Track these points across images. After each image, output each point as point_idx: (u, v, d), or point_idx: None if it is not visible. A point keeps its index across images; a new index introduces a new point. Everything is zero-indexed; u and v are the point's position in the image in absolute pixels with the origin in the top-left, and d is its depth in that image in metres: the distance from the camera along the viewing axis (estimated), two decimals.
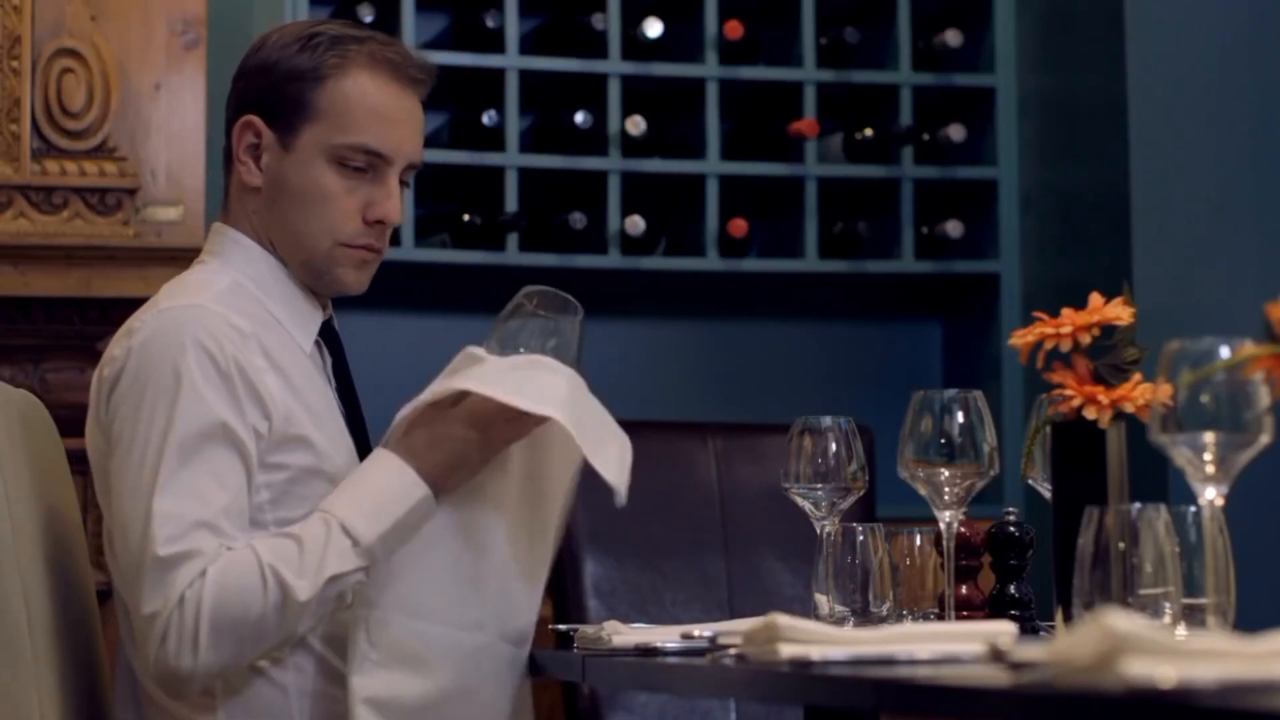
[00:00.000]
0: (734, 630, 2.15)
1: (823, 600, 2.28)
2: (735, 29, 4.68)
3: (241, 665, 2.27)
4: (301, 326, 2.45)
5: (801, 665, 1.88)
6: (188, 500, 2.24)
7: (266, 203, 2.45)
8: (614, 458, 2.27)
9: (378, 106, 2.42)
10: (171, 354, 2.31)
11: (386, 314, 4.42)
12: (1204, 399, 1.72)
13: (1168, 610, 1.84)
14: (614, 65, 4.64)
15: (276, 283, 2.45)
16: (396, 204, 2.44)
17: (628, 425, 3.68)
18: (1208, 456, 1.75)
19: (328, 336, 2.49)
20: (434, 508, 2.28)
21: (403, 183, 2.47)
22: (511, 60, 4.59)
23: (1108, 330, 2.21)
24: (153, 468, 2.26)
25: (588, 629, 2.36)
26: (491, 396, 2.25)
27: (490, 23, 4.59)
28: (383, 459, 2.29)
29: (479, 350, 2.30)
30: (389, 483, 2.27)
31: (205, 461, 2.26)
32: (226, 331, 2.33)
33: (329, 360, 2.49)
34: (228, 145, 2.50)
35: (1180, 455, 1.76)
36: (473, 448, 2.28)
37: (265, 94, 2.44)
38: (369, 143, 2.41)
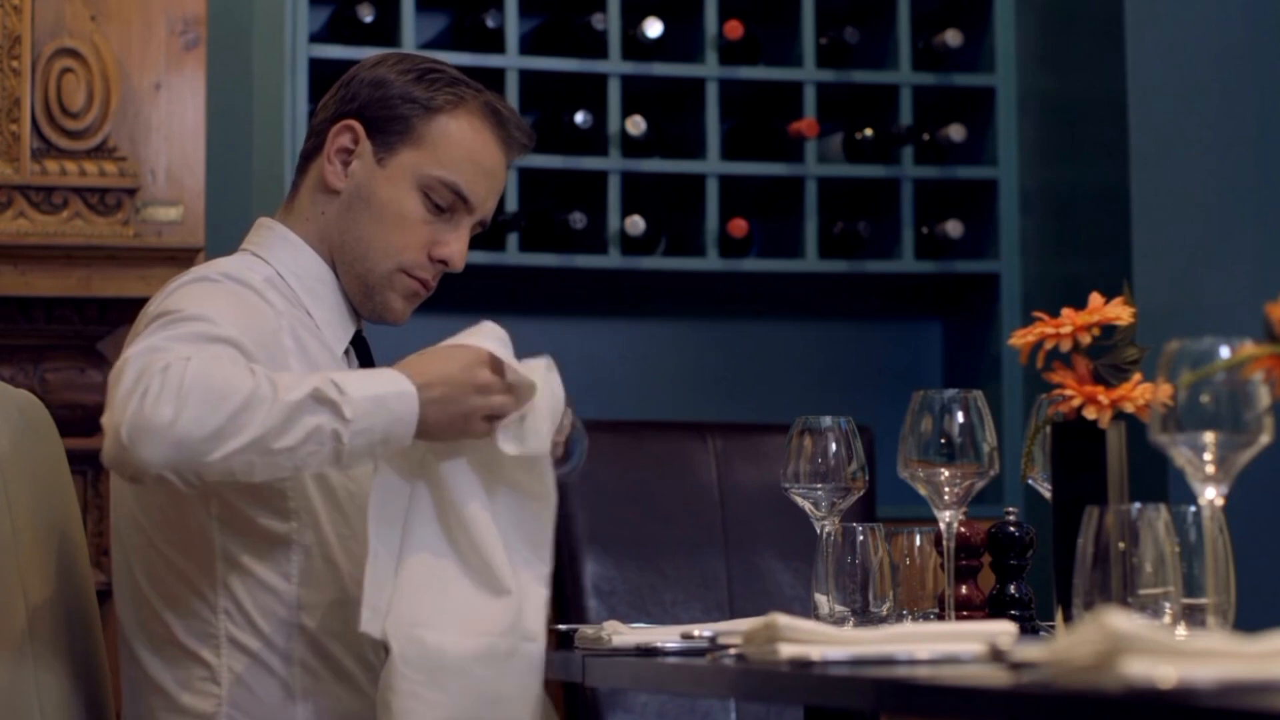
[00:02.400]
0: (734, 630, 2.15)
1: (823, 600, 2.28)
2: (735, 29, 4.68)
3: (215, 457, 2.10)
4: (336, 332, 2.46)
5: (801, 665, 1.88)
6: (183, 345, 2.18)
7: (342, 208, 2.47)
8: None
9: (476, 152, 2.47)
10: (203, 288, 2.32)
11: None
12: (1204, 399, 1.72)
13: (1168, 610, 1.84)
14: (614, 65, 4.64)
15: (318, 282, 2.47)
16: (463, 250, 2.48)
17: (628, 425, 3.69)
18: (1208, 456, 1.75)
19: (358, 346, 2.51)
20: (415, 410, 2.20)
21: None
22: (511, 60, 4.59)
23: (1108, 330, 2.21)
24: (162, 332, 2.21)
25: (588, 629, 2.36)
26: (495, 354, 2.25)
27: (490, 23, 4.59)
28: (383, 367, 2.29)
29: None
30: (382, 372, 2.23)
31: (198, 344, 2.21)
32: (262, 307, 2.35)
33: (357, 364, 2.50)
34: (314, 142, 2.50)
35: (1180, 455, 1.76)
36: (474, 398, 2.22)
37: (373, 106, 2.47)
38: (460, 183, 2.45)
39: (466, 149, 2.46)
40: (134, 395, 2.09)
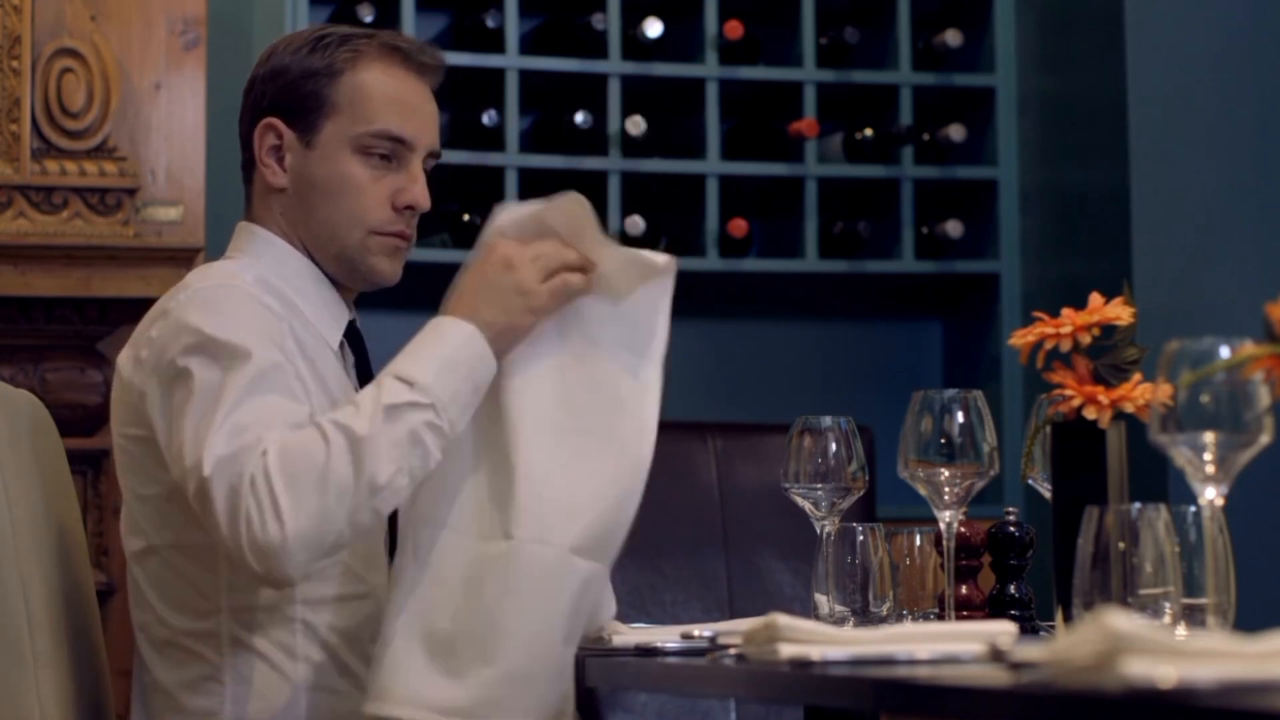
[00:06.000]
0: (734, 630, 2.15)
1: (823, 600, 2.28)
2: (735, 29, 4.68)
3: (337, 532, 2.16)
4: (329, 324, 2.46)
5: (801, 665, 1.88)
6: (246, 414, 2.20)
7: (294, 201, 2.46)
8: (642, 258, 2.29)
9: (394, 94, 2.45)
10: (224, 296, 2.32)
11: (386, 314, 4.42)
12: (1204, 399, 1.72)
13: (1168, 610, 1.84)
14: (614, 65, 4.64)
15: (305, 280, 2.46)
16: (423, 189, 2.47)
17: None
18: (1208, 456, 1.75)
19: (352, 338, 2.51)
20: (485, 346, 2.22)
21: (425, 173, 2.49)
22: (511, 60, 4.59)
23: (1108, 330, 2.21)
24: (214, 405, 2.22)
25: (587, 629, 2.36)
26: (511, 222, 2.28)
27: (490, 23, 4.59)
28: (426, 325, 2.28)
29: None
30: (430, 333, 2.25)
31: (263, 388, 2.23)
32: (261, 311, 2.34)
33: (352, 359, 2.50)
34: (247, 154, 2.50)
35: (1180, 455, 1.76)
36: (506, 274, 2.26)
37: (281, 96, 2.46)
38: (390, 128, 2.44)
39: (382, 94, 2.44)
40: (239, 524, 2.15)
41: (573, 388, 2.27)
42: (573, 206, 2.28)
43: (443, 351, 2.22)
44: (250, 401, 2.22)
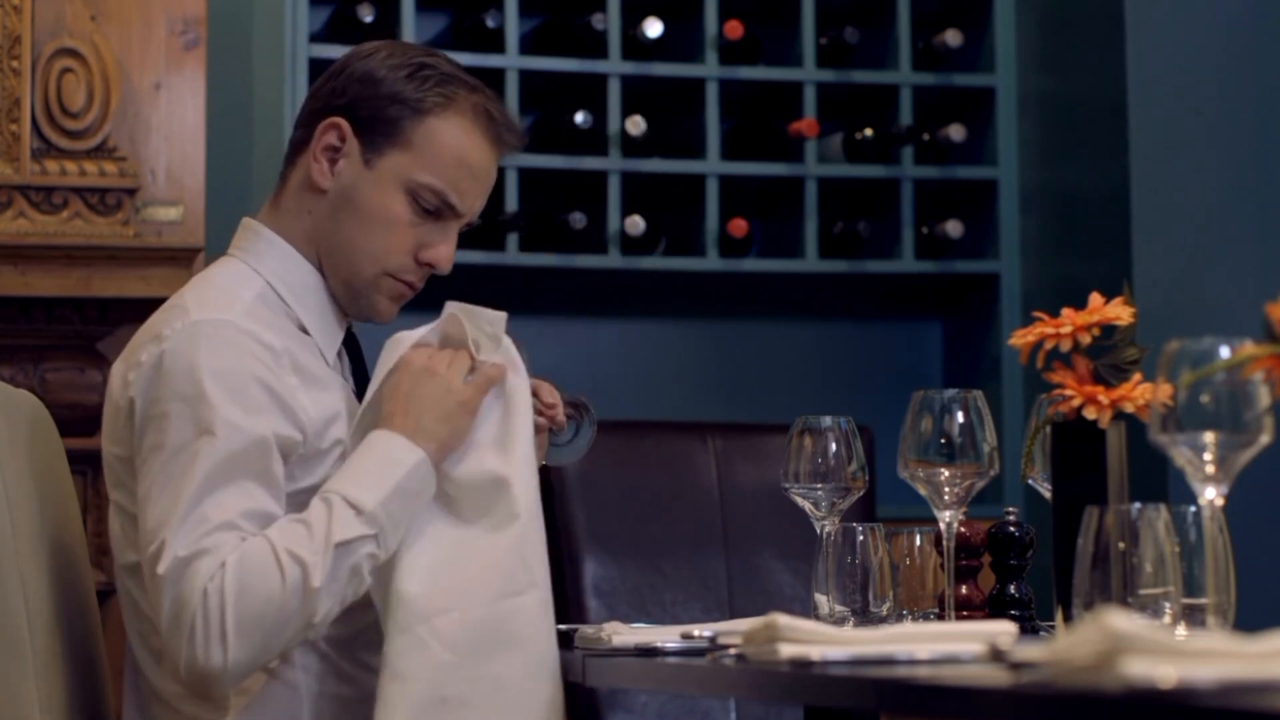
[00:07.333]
0: (734, 630, 2.15)
1: (823, 600, 2.28)
2: (735, 29, 4.68)
3: (267, 659, 2.25)
4: (326, 337, 2.45)
5: (801, 665, 1.88)
6: (211, 507, 2.23)
7: (329, 208, 2.44)
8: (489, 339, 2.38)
9: (466, 158, 2.43)
10: (200, 368, 2.29)
11: None
12: (1204, 399, 1.72)
13: (1168, 610, 1.84)
14: (614, 65, 4.64)
15: (307, 290, 2.44)
16: (450, 253, 2.47)
17: (628, 425, 3.68)
18: (1208, 456, 1.75)
19: (348, 343, 2.50)
20: (431, 471, 2.28)
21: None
22: (511, 60, 4.59)
23: (1108, 330, 2.21)
24: (180, 480, 2.24)
25: (588, 629, 2.36)
26: (414, 342, 2.35)
27: (490, 23, 4.59)
28: (370, 438, 2.31)
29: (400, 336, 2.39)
30: (382, 453, 2.28)
31: (232, 474, 2.25)
32: (257, 351, 2.32)
33: (349, 365, 2.49)
34: (301, 134, 2.47)
35: (1180, 455, 1.76)
36: (436, 389, 2.31)
37: (361, 104, 2.43)
38: (447, 193, 2.42)
39: (455, 153, 2.42)
40: (181, 635, 2.21)
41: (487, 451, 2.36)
42: (452, 322, 2.38)
43: (395, 477, 2.27)
44: (218, 493, 2.24)
